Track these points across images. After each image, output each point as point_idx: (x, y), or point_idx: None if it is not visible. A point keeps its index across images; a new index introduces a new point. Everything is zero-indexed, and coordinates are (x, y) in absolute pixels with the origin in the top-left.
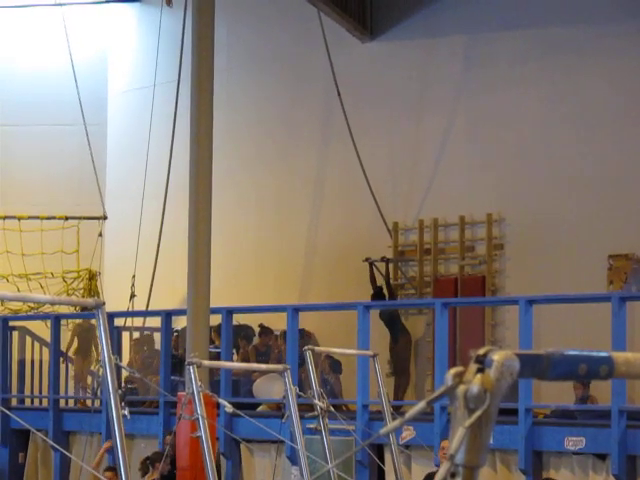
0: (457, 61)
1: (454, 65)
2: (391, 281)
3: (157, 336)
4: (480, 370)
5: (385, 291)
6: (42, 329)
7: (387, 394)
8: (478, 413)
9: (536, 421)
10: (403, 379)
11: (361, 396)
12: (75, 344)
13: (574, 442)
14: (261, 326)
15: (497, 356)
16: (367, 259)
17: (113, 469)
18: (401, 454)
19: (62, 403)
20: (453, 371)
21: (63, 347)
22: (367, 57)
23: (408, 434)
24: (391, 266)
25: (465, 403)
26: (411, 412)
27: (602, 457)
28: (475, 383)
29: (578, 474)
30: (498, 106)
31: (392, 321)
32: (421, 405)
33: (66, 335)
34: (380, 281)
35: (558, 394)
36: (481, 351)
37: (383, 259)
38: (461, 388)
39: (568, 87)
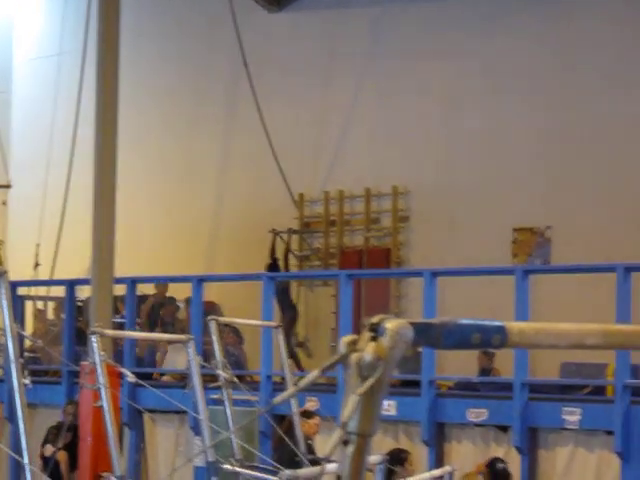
0: (365, 32)
1: (362, 36)
2: (295, 253)
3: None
4: (374, 338)
5: (281, 263)
6: None
7: (290, 365)
8: (371, 381)
9: (439, 393)
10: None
11: (265, 367)
12: None
13: (476, 414)
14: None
15: (390, 324)
16: (273, 230)
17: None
18: None
19: None
20: (347, 339)
21: None
22: (274, 27)
23: (312, 405)
24: (296, 237)
25: (358, 371)
26: (305, 380)
27: (504, 429)
28: (368, 351)
29: (480, 445)
30: (405, 78)
31: (282, 295)
32: (315, 373)
33: None
34: (279, 253)
35: (462, 366)
36: (375, 319)
37: (289, 230)
38: (354, 356)
39: (474, 61)
